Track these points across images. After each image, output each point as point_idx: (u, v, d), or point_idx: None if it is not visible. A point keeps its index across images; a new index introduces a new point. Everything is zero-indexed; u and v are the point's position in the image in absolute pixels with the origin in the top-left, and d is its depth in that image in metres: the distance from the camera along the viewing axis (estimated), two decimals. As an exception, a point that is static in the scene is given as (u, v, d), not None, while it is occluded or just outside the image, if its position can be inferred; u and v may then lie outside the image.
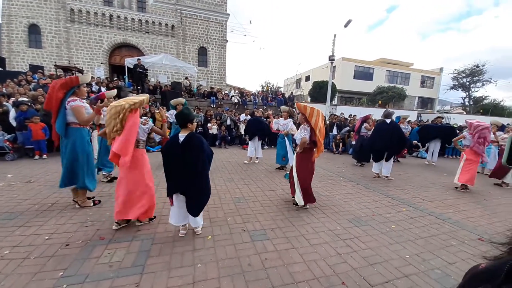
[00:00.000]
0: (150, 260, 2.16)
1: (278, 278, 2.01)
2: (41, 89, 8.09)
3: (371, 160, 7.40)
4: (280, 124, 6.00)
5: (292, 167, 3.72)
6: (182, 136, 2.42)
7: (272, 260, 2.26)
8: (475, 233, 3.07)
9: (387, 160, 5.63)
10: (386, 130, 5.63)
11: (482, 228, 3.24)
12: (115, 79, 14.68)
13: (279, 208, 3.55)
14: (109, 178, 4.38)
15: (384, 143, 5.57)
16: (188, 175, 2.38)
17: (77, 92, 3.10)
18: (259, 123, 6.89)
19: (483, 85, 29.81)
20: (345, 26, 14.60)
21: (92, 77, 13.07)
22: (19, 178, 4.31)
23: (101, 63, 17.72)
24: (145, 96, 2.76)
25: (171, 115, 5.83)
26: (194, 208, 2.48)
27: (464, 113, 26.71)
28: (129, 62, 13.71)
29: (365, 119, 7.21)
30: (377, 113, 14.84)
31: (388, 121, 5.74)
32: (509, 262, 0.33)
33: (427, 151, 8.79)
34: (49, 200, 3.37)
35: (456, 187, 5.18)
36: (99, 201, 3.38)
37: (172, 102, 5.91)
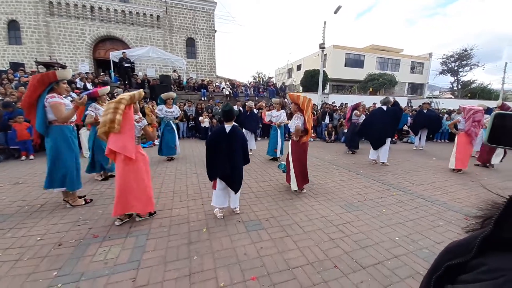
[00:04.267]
0: (145, 255, 2.17)
1: (273, 265, 2.06)
2: (23, 87, 7.76)
3: (359, 147, 7.52)
4: (273, 115, 6.01)
5: (288, 155, 3.81)
6: (228, 127, 2.79)
7: (267, 249, 2.30)
8: (462, 213, 3.20)
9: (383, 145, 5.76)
10: (385, 117, 5.72)
11: (468, 208, 3.37)
12: (101, 74, 14.22)
13: (273, 198, 3.60)
14: (103, 176, 4.30)
15: (383, 129, 5.68)
16: (233, 159, 2.77)
17: (55, 88, 2.93)
18: (247, 117, 6.79)
19: (471, 69, 30.28)
20: (335, 12, 14.41)
21: (79, 73, 12.63)
22: (7, 180, 4.19)
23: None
24: (137, 91, 2.74)
25: (160, 110, 5.71)
26: (237, 185, 2.89)
27: (453, 97, 27.20)
28: (114, 55, 13.20)
29: (356, 107, 7.27)
30: (368, 101, 14.99)
31: (385, 108, 5.84)
32: (480, 236, 0.33)
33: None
34: (38, 201, 3.30)
35: (453, 170, 5.36)
36: (91, 200, 3.33)
37: (163, 96, 5.78)
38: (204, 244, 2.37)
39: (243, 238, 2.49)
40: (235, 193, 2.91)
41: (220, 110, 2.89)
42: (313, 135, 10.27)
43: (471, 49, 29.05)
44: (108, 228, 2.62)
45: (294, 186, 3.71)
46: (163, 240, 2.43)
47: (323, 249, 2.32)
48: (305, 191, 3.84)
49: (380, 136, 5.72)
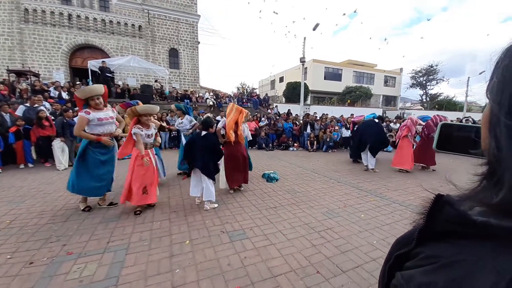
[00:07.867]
0: (124, 271, 2.09)
1: (257, 274, 2.08)
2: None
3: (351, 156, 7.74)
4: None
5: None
6: (204, 133, 3.52)
7: (251, 258, 2.32)
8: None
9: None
10: (378, 128, 6.52)
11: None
12: (77, 83, 13.67)
13: (258, 207, 3.63)
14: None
15: (377, 139, 6.34)
16: (205, 155, 3.42)
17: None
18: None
19: (437, 83, 33.08)
20: (314, 29, 15.22)
21: (53, 81, 12.05)
22: (-33, 196, 3.84)
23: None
24: (157, 109, 3.55)
25: (180, 123, 5.15)
26: (210, 173, 3.46)
27: (422, 109, 29.32)
28: (93, 64, 12.83)
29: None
30: (346, 112, 15.73)
31: (377, 120, 6.62)
32: (418, 228, 0.39)
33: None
34: (6, 218, 3.06)
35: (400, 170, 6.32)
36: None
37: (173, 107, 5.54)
38: (186, 256, 2.33)
39: (227, 248, 2.49)
40: (209, 177, 3.43)
41: (202, 120, 3.57)
42: (295, 144, 10.52)
43: (437, 65, 31.85)
44: (84, 244, 2.49)
45: (223, 184, 4.24)
46: (143, 254, 2.35)
47: (305, 255, 2.38)
48: (242, 188, 4.43)
49: (379, 146, 6.44)
